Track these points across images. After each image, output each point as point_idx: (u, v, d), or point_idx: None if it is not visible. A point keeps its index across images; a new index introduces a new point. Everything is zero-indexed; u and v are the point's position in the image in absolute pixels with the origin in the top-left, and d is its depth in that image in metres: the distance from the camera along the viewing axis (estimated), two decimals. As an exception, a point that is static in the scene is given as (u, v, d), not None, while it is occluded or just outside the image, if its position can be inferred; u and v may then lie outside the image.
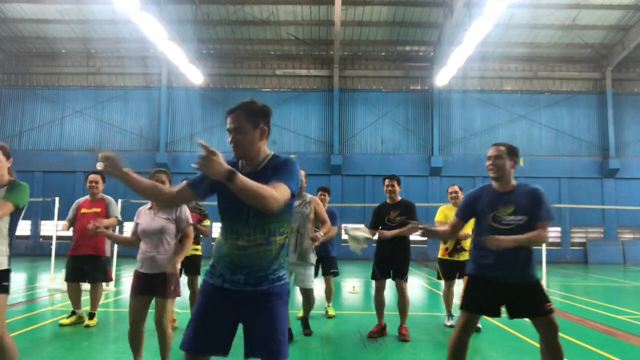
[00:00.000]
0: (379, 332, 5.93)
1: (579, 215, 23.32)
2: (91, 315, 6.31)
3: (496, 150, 3.56)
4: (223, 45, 23.57)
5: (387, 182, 6.06)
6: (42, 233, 23.23)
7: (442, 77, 21.29)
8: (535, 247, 3.53)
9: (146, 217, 4.16)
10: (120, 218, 6.46)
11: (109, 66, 24.20)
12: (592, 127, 23.86)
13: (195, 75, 21.29)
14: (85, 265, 6.31)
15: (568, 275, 16.08)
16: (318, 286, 6.52)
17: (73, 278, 6.35)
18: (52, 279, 10.00)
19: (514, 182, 3.58)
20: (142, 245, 4.11)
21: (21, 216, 3.68)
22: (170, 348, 4.13)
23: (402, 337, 5.76)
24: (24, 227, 23.31)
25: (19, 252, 22.91)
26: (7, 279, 3.72)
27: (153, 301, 4.09)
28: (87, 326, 6.12)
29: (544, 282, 10.07)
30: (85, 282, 6.43)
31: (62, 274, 9.64)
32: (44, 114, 23.97)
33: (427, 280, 13.25)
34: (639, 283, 13.62)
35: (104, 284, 6.67)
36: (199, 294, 2.54)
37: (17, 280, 12.49)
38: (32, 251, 22.87)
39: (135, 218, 4.24)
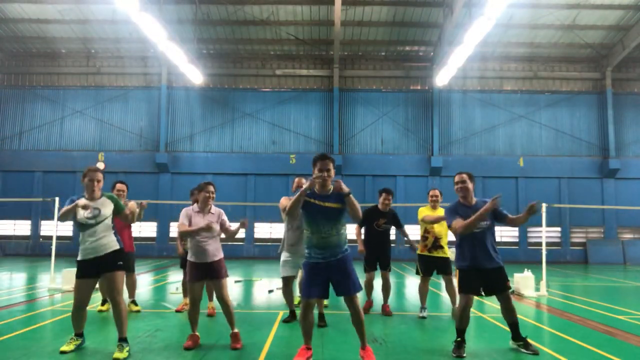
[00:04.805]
0: (369, 307, 7.55)
1: (579, 215, 23.34)
2: (134, 303, 7.40)
3: (460, 177, 5.15)
4: (223, 45, 23.57)
5: (385, 195, 7.36)
6: (42, 233, 23.20)
7: (442, 77, 21.28)
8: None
9: (197, 219, 5.33)
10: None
11: (109, 66, 24.19)
12: (592, 127, 23.86)
13: (195, 75, 21.29)
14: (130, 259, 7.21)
15: (568, 275, 16.08)
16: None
17: None
18: (52, 279, 9.98)
19: (475, 198, 5.17)
20: (195, 241, 5.26)
21: None
22: (234, 315, 5.38)
23: (386, 313, 7.33)
24: (24, 227, 23.32)
25: (19, 252, 22.92)
26: (123, 257, 5.04)
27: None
28: (131, 311, 7.19)
29: (543, 282, 10.09)
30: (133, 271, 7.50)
31: (62, 273, 9.67)
32: (44, 114, 23.96)
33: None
34: (639, 283, 13.62)
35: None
36: (305, 269, 4.63)
37: (17, 280, 12.50)
38: (32, 251, 22.86)
39: (182, 218, 5.36)
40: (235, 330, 5.32)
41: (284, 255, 6.65)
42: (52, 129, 23.84)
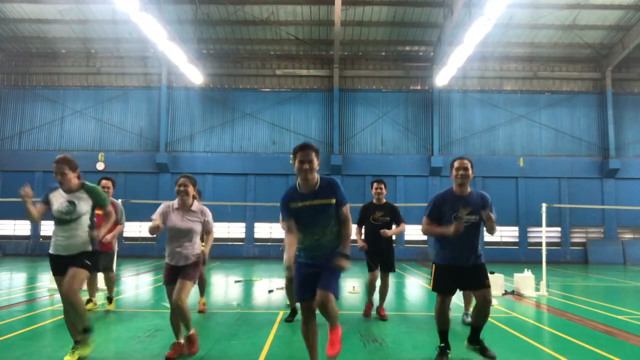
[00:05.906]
0: (370, 309, 7.19)
1: (579, 215, 23.34)
2: (109, 300, 7.32)
3: (463, 164, 4.63)
4: (223, 45, 23.57)
5: (375, 185, 7.05)
6: (42, 233, 23.20)
7: (442, 77, 21.29)
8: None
9: (175, 217, 4.80)
10: (124, 224, 7.15)
11: (109, 66, 24.19)
12: (592, 127, 23.86)
13: (195, 75, 21.28)
14: (101, 260, 7.05)
15: (568, 275, 16.08)
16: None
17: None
18: (52, 279, 9.97)
19: (469, 189, 4.68)
20: (171, 241, 4.78)
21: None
22: (190, 319, 4.68)
23: (381, 317, 6.95)
24: (24, 227, 23.32)
25: (19, 252, 22.92)
26: (92, 258, 4.62)
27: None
28: (108, 311, 7.13)
29: (543, 282, 10.09)
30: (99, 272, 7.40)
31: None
32: (44, 114, 23.96)
33: (427, 280, 13.25)
34: (639, 283, 13.62)
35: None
36: (296, 269, 4.13)
37: (17, 280, 12.50)
38: (32, 251, 22.87)
39: (159, 211, 4.80)
40: (192, 331, 4.74)
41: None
42: (52, 129, 23.84)
